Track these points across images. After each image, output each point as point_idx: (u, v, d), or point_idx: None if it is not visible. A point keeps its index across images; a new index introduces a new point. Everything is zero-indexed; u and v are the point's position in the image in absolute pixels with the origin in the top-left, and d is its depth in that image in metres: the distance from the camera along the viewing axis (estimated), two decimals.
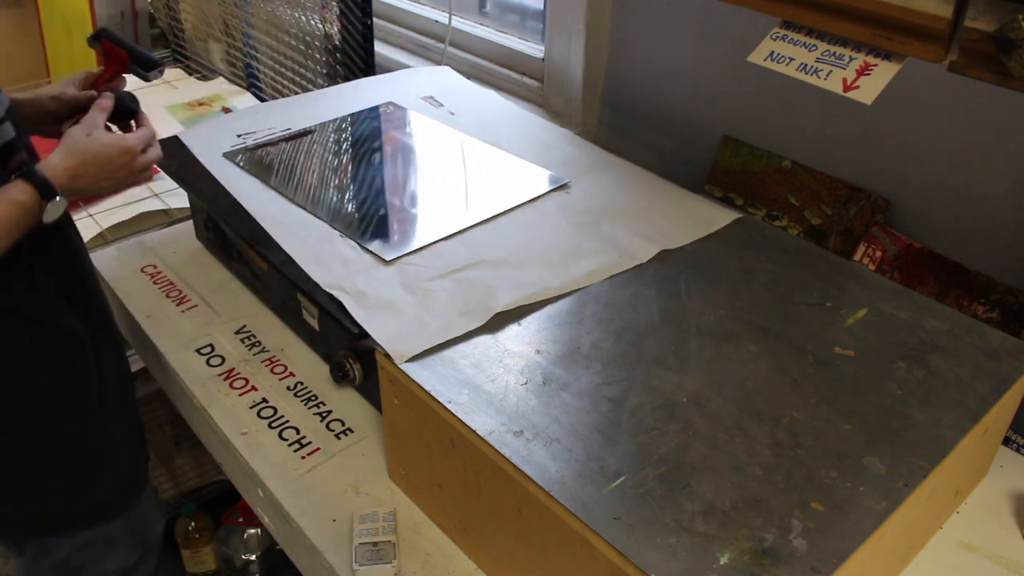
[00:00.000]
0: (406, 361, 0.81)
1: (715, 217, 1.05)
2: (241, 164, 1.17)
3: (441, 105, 1.34)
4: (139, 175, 0.98)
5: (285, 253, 1.00)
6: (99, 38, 1.06)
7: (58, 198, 0.88)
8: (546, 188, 1.11)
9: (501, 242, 1.00)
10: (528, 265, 0.95)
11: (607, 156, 1.21)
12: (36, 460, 1.00)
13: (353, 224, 1.04)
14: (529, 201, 1.08)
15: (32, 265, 0.95)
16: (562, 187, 1.11)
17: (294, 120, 1.28)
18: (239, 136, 1.24)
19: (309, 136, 1.24)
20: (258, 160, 1.18)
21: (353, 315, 0.88)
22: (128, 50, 1.05)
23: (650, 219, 1.04)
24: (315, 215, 1.05)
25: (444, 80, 1.46)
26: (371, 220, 1.05)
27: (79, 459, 1.03)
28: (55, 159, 0.89)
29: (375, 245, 0.99)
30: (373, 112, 1.32)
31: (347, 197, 1.10)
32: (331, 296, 0.91)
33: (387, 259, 0.97)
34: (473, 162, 1.18)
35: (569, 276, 0.93)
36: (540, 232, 1.02)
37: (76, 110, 1.02)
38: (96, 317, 1.05)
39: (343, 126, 1.28)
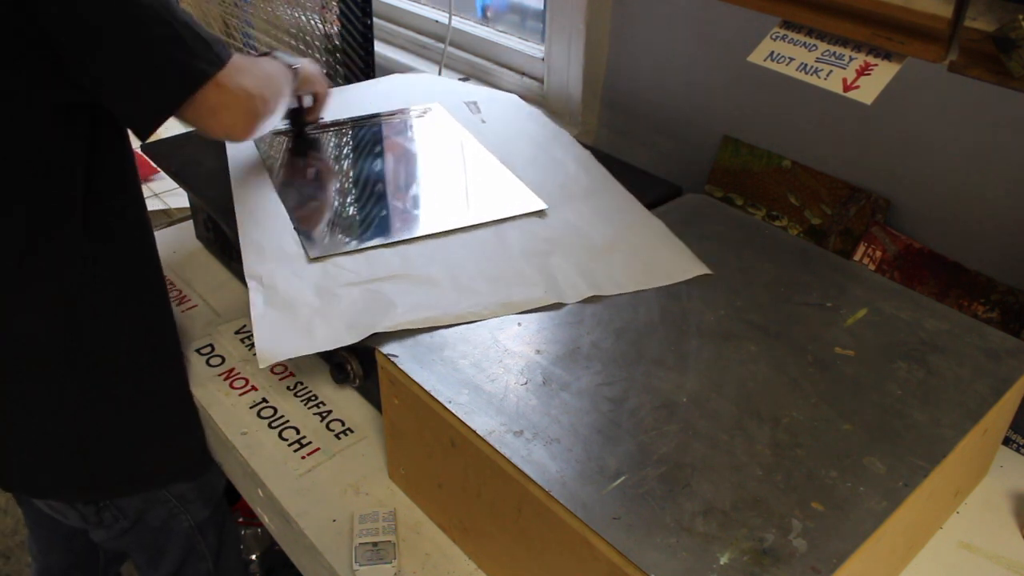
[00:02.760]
0: (263, 367, 0.84)
1: (677, 269, 0.95)
2: (258, 143, 1.18)
3: (479, 112, 1.32)
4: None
5: None
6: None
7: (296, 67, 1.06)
8: (520, 211, 1.06)
9: (439, 259, 0.97)
10: (447, 287, 0.92)
11: (611, 183, 1.14)
12: (129, 418, 0.99)
13: (308, 217, 1.04)
14: (495, 221, 1.04)
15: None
16: (537, 213, 1.06)
17: (335, 109, 1.28)
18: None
19: (330, 130, 1.24)
20: (274, 142, 1.19)
21: (252, 307, 0.89)
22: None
23: (606, 260, 0.97)
24: (284, 203, 1.05)
25: (494, 95, 1.43)
26: (331, 218, 1.04)
27: (166, 417, 1.03)
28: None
29: (310, 242, 0.99)
30: (394, 113, 1.31)
31: (322, 194, 1.09)
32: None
33: (311, 256, 0.96)
34: (464, 174, 1.16)
35: (479, 304, 0.89)
36: (485, 255, 0.98)
37: None
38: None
39: (357, 123, 1.28)
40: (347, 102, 1.32)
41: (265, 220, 1.03)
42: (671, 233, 1.02)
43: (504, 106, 1.37)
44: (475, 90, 1.44)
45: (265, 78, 0.93)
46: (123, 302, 0.95)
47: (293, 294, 0.91)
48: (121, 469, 1.02)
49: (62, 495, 1.04)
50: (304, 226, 1.02)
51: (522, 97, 1.57)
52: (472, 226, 1.03)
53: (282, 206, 1.05)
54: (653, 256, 0.98)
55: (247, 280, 0.94)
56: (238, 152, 1.17)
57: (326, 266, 0.95)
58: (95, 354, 0.94)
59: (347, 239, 1.00)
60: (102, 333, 0.94)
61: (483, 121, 1.30)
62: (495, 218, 1.04)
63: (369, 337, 0.85)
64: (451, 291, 0.91)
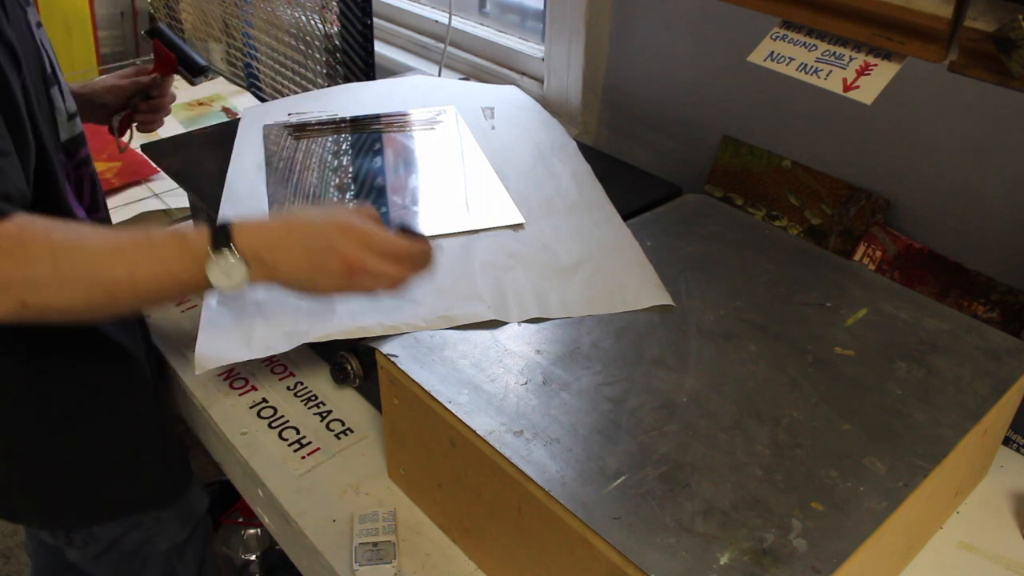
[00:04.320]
0: (198, 373, 0.84)
1: (637, 297, 0.91)
2: (267, 139, 1.18)
3: (492, 117, 1.31)
4: (382, 276, 0.75)
5: None
6: (152, 35, 1.07)
7: (233, 257, 0.69)
8: (496, 223, 1.03)
9: None
10: (391, 296, 0.88)
11: (599, 202, 1.10)
12: (95, 451, 0.99)
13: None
14: (469, 232, 1.02)
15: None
16: (514, 226, 1.04)
17: (346, 108, 1.29)
18: (289, 114, 1.24)
19: (338, 126, 1.25)
20: (285, 138, 1.19)
21: (204, 311, 0.88)
22: (177, 52, 1.05)
23: (564, 280, 0.93)
24: (269, 198, 1.05)
25: (510, 97, 1.42)
26: None
27: (136, 448, 1.02)
28: (264, 219, 0.73)
29: None
30: (400, 115, 1.31)
31: (314, 190, 1.09)
32: None
33: None
34: (454, 182, 1.14)
35: (418, 316, 0.86)
36: (444, 266, 0.95)
37: (128, 102, 1.01)
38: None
39: (359, 125, 1.27)
40: (360, 100, 1.32)
41: (248, 210, 1.02)
42: (645, 258, 0.97)
43: (521, 112, 1.35)
44: (497, 92, 1.43)
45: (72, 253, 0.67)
46: (82, 332, 0.92)
47: (244, 295, 0.89)
48: (86, 498, 1.01)
49: (24, 520, 1.04)
50: None
51: None
52: (444, 235, 1.01)
53: (266, 200, 1.05)
54: (616, 280, 0.93)
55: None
56: (245, 145, 1.16)
57: None
58: (55, 384, 0.93)
59: None
60: (61, 364, 0.92)
61: (493, 127, 1.29)
62: (470, 228, 1.02)
63: (369, 338, 0.85)
64: (393, 300, 0.87)
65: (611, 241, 1.01)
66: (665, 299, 0.90)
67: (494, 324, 0.86)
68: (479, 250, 0.99)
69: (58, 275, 0.66)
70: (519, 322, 0.87)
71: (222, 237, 0.69)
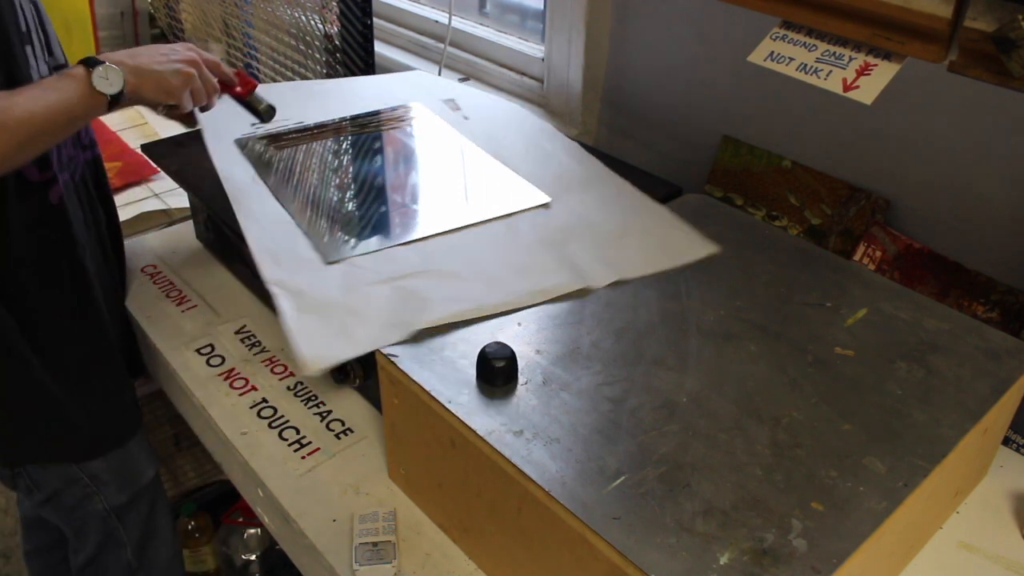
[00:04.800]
0: (308, 374, 0.83)
1: (690, 249, 0.99)
2: (246, 152, 1.16)
3: (459, 109, 1.33)
4: (191, 66, 0.97)
5: None
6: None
7: (103, 66, 0.87)
8: (525, 205, 1.07)
9: (457, 254, 0.97)
10: (475, 279, 0.92)
11: (605, 172, 1.17)
12: (36, 388, 1.04)
13: (317, 221, 1.03)
14: (503, 216, 1.05)
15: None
16: (542, 206, 1.08)
17: (311, 112, 1.28)
18: (252, 124, 1.23)
19: (317, 131, 1.24)
20: (264, 149, 1.18)
21: (282, 315, 0.87)
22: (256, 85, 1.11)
23: (619, 244, 1.00)
24: (286, 209, 1.04)
25: (465, 88, 1.45)
26: (336, 220, 1.04)
27: (72, 394, 1.07)
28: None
29: (325, 244, 0.98)
30: (384, 112, 1.31)
31: (326, 195, 1.09)
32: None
33: (329, 259, 0.95)
34: (463, 170, 1.16)
35: (512, 294, 0.90)
36: (501, 247, 0.98)
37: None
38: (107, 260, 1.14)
39: (349, 125, 1.27)
40: (325, 104, 1.32)
41: (271, 227, 1.01)
42: (675, 216, 1.05)
43: (482, 102, 1.38)
44: (448, 85, 1.45)
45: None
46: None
47: (322, 297, 0.89)
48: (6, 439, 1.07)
49: None
50: (313, 230, 1.01)
51: (522, 97, 1.58)
52: (482, 221, 1.03)
53: (284, 211, 1.04)
54: (664, 239, 1.01)
55: (269, 288, 0.91)
56: (228, 163, 1.14)
57: (345, 267, 0.95)
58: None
59: (360, 240, 0.99)
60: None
61: (465, 118, 1.31)
62: (504, 213, 1.05)
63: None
64: (479, 284, 0.91)
65: (639, 206, 1.09)
66: (713, 247, 0.99)
67: (494, 324, 0.86)
68: (526, 231, 1.02)
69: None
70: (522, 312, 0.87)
71: (92, 60, 0.88)
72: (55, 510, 1.16)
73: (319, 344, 0.84)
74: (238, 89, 1.08)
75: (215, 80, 1.01)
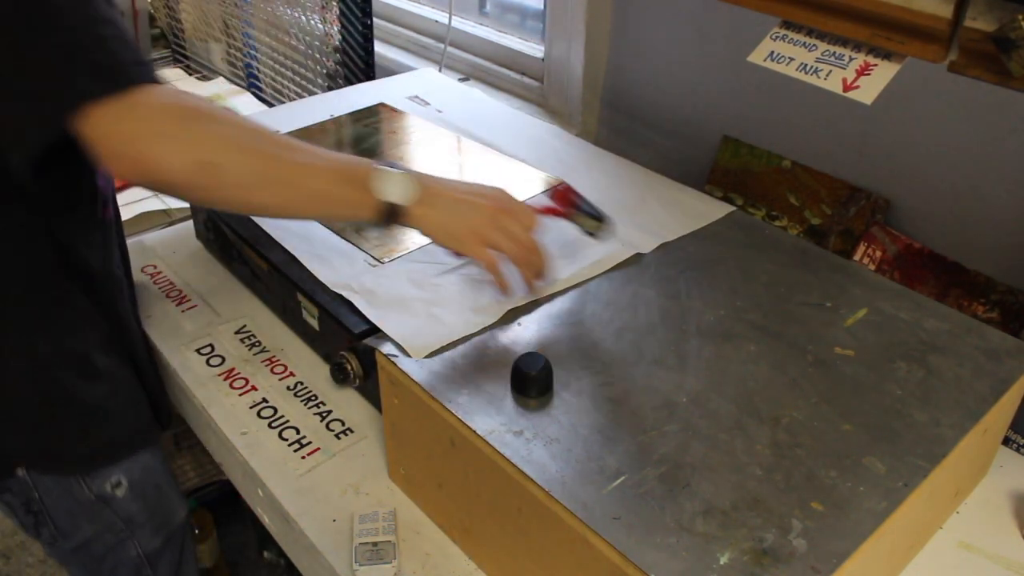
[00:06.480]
0: (424, 357, 0.81)
1: (709, 210, 1.06)
2: None
3: (427, 104, 1.34)
4: (505, 218, 0.81)
5: (284, 253, 1.00)
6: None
7: (392, 170, 0.75)
8: (543, 188, 1.10)
9: None
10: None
11: (598, 151, 1.22)
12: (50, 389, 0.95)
13: (345, 226, 1.04)
14: (527, 199, 1.07)
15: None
16: (557, 184, 1.10)
17: (292, 126, 1.28)
18: None
19: (311, 138, 1.25)
20: None
21: (367, 315, 0.88)
22: (581, 201, 0.97)
23: (647, 211, 1.05)
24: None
25: (427, 79, 1.47)
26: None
27: (84, 397, 0.97)
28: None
29: (371, 245, 0.99)
30: (368, 112, 1.31)
31: None
32: (335, 296, 0.91)
33: (383, 260, 0.97)
34: (464, 161, 1.18)
35: (576, 267, 0.94)
36: (542, 228, 1.00)
37: None
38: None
39: (338, 127, 1.28)
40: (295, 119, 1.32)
41: (297, 230, 1.03)
42: (680, 184, 1.11)
43: (447, 93, 1.40)
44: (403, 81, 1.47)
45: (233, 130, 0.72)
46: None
47: (395, 293, 0.91)
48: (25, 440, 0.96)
49: None
50: (350, 235, 1.02)
51: (522, 97, 1.58)
52: None
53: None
54: (682, 204, 1.07)
55: (339, 291, 0.93)
56: None
57: (400, 264, 0.96)
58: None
59: (407, 238, 1.00)
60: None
61: (439, 111, 1.31)
62: (524, 197, 1.05)
63: (371, 337, 0.85)
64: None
65: (642, 179, 1.15)
66: (727, 208, 1.06)
67: (494, 324, 0.86)
68: None
69: (237, 141, 0.71)
70: (523, 305, 0.87)
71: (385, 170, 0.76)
72: (82, 562, 1.07)
73: (414, 334, 0.84)
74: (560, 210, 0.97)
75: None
